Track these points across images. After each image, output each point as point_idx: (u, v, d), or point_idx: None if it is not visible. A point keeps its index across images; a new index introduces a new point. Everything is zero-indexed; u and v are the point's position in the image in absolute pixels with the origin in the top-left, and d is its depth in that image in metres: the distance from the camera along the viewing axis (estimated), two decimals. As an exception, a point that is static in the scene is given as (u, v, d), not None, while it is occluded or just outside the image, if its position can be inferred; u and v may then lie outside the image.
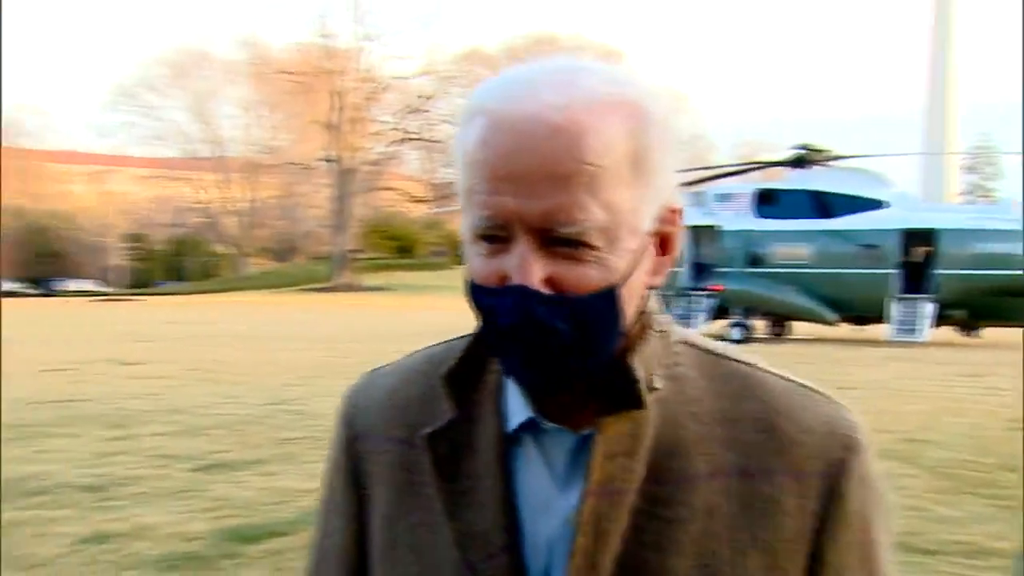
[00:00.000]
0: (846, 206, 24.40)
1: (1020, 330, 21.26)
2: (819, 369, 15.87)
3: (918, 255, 24.06)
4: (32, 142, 71.66)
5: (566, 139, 0.87)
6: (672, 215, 0.98)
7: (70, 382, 14.75)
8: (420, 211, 79.44)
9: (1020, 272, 22.48)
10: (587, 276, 0.90)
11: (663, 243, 0.98)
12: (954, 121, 49.74)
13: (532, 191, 0.87)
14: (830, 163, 26.10)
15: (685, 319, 24.63)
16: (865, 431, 1.01)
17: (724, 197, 26.08)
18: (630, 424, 0.96)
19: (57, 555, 5.90)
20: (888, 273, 23.71)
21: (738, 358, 1.03)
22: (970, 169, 75.53)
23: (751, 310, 25.02)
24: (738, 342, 22.97)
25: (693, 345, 1.03)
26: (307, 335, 25.07)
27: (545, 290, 0.88)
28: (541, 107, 0.88)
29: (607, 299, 0.91)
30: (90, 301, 51.19)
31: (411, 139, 70.33)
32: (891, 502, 1.04)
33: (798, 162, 25.85)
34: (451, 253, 79.56)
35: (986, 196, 67.49)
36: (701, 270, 25.69)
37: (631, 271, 0.93)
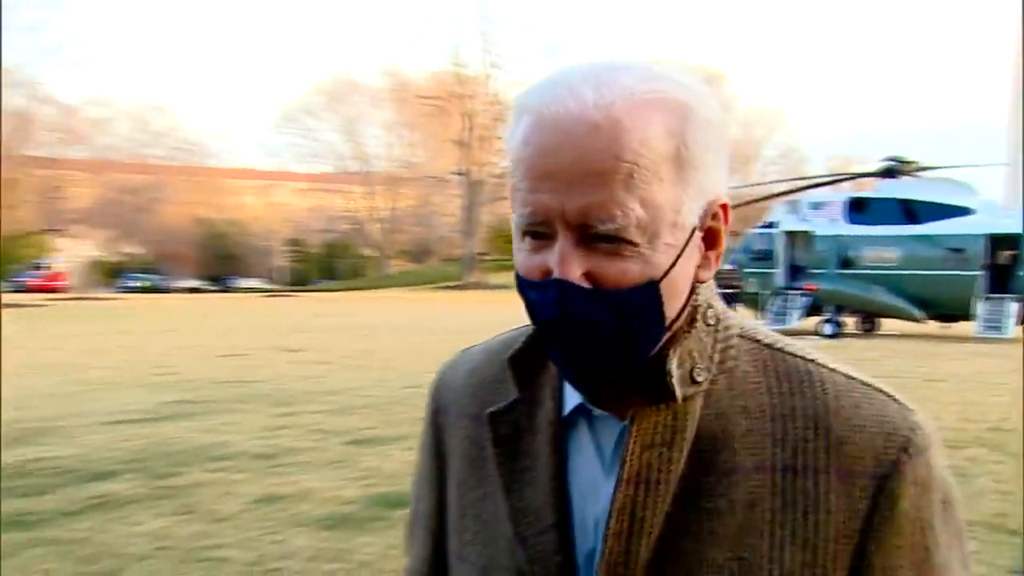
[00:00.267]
0: (933, 213, 23.56)
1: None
2: (908, 363, 15.33)
3: (1005, 258, 23.10)
4: (215, 162, 74.09)
5: (604, 137, 0.80)
6: (719, 211, 0.89)
7: (242, 366, 15.20)
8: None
9: None
10: (626, 271, 0.83)
11: (710, 238, 0.89)
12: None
13: (571, 188, 0.81)
14: (918, 174, 25.30)
15: (781, 316, 24.30)
16: (929, 433, 0.89)
17: (817, 205, 25.55)
18: (671, 415, 0.88)
19: (237, 512, 6.06)
20: (974, 275, 22.75)
21: (798, 354, 0.93)
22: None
23: (842, 308, 24.35)
24: (830, 337, 22.57)
25: (753, 339, 0.94)
26: (442, 327, 25.27)
27: (585, 284, 0.82)
28: (581, 106, 0.81)
29: (647, 293, 0.84)
30: (258, 296, 52.69)
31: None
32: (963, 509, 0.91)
33: (888, 173, 25.15)
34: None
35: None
36: (796, 271, 25.26)
37: (672, 266, 0.85)
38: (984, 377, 13.85)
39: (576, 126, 0.80)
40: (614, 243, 0.82)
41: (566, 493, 0.92)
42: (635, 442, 0.88)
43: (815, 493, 0.85)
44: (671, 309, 0.87)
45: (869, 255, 24.17)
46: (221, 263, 66.77)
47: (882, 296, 23.77)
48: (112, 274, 62.05)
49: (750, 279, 25.55)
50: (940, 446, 0.89)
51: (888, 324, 25.51)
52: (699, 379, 0.89)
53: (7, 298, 43.72)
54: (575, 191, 0.80)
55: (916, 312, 23.58)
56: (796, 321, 24.04)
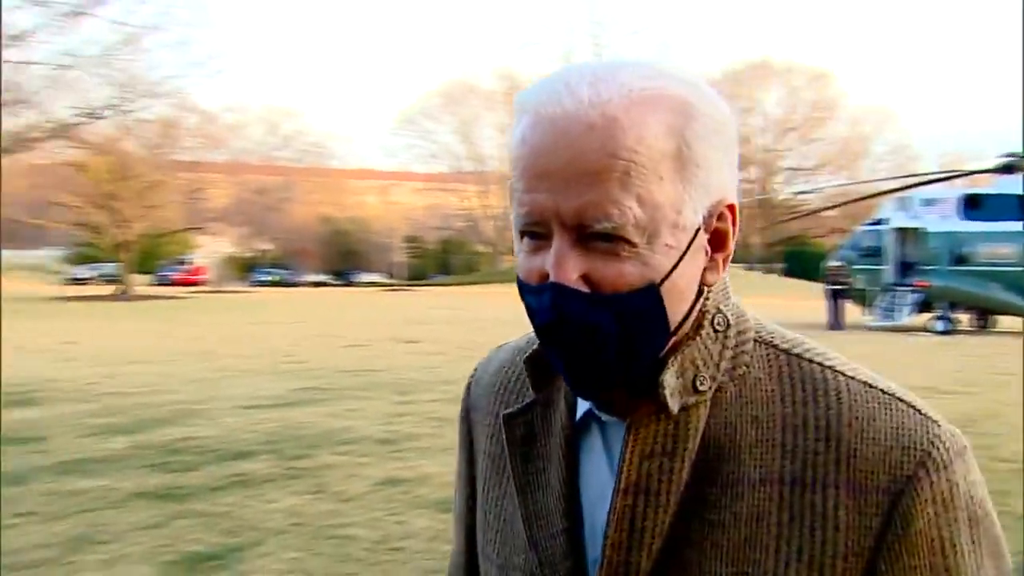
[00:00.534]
0: (1053, 209, 22.47)
1: None
2: (1020, 361, 14.68)
3: None
4: (339, 163, 75.71)
5: (600, 135, 0.76)
6: (726, 212, 0.84)
7: (364, 356, 15.53)
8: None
9: None
10: (625, 273, 0.77)
11: (717, 240, 0.84)
12: None
13: (566, 187, 0.76)
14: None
15: (889, 312, 23.57)
16: (952, 446, 0.80)
17: (930, 201, 24.61)
18: (672, 424, 0.83)
19: (362, 493, 6.23)
20: None
21: (816, 359, 0.86)
22: None
23: (955, 305, 23.42)
24: (941, 333, 21.72)
25: (770, 344, 0.87)
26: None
27: (582, 288, 0.77)
28: (576, 104, 0.77)
29: (647, 297, 0.78)
30: (378, 290, 53.74)
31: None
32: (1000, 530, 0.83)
33: (1006, 169, 24.03)
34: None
35: None
36: (906, 268, 24.37)
37: (674, 268, 0.79)
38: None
39: (571, 125, 0.76)
40: (611, 243, 0.77)
41: (577, 498, 0.89)
42: (632, 451, 0.83)
43: (823, 508, 0.79)
44: (675, 313, 0.81)
45: (984, 251, 23.17)
46: (344, 259, 68.19)
47: (998, 293, 22.77)
48: (245, 269, 64.11)
49: (858, 275, 24.82)
50: (969, 459, 0.82)
51: (1004, 321, 24.47)
52: (702, 388, 0.83)
53: (155, 290, 45.72)
54: (571, 190, 0.76)
55: None
56: (905, 318, 23.27)
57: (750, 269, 72.88)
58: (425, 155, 79.17)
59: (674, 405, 0.82)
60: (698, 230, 0.81)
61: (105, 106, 35.08)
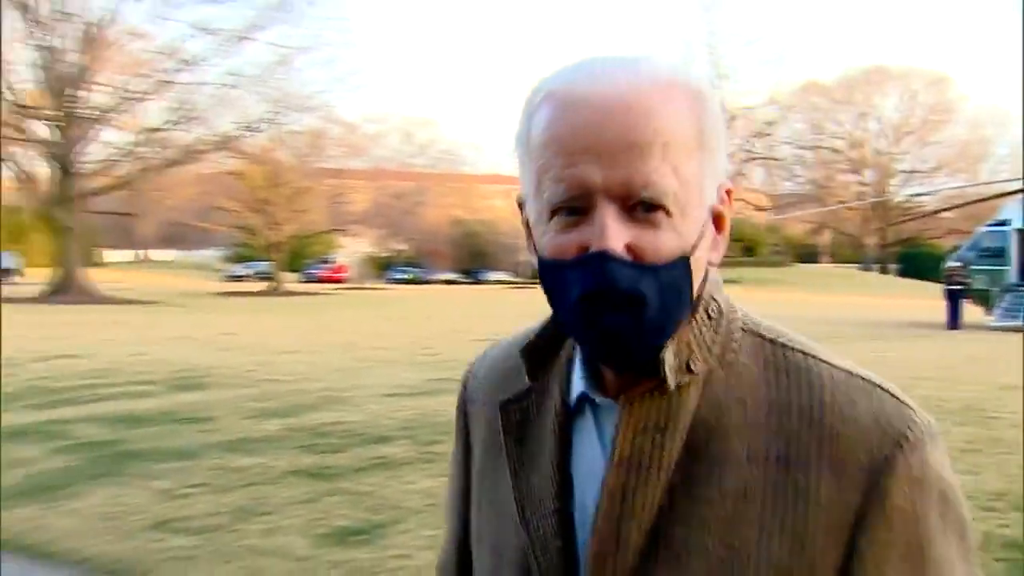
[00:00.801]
0: None
1: None
2: None
3: None
4: (469, 169, 76.70)
5: (640, 112, 0.76)
6: (726, 195, 0.86)
7: (493, 349, 15.65)
8: (762, 218, 77.14)
9: None
10: (664, 242, 0.77)
11: (718, 221, 0.85)
12: None
13: (613, 160, 0.76)
14: None
15: (1011, 312, 22.35)
16: (926, 429, 0.81)
17: (1053, 203, 23.30)
18: (665, 402, 0.82)
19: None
20: None
21: (800, 348, 0.86)
22: None
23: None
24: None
25: (756, 334, 0.87)
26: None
27: (627, 256, 0.76)
28: (614, 86, 0.77)
29: (682, 268, 0.79)
30: (504, 288, 54.25)
31: (755, 158, 68.47)
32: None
33: None
34: (789, 253, 76.85)
35: None
36: (1029, 268, 23.15)
37: (698, 242, 0.81)
38: None
39: (612, 103, 0.77)
40: (651, 212, 0.77)
41: (568, 479, 0.88)
42: (627, 426, 0.83)
43: (806, 485, 0.79)
44: (694, 289, 0.82)
45: None
46: (473, 258, 68.98)
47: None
48: (383, 267, 65.62)
49: (978, 276, 23.63)
50: (940, 443, 0.82)
51: None
52: (695, 369, 0.83)
53: (303, 287, 47.33)
54: (617, 163, 0.76)
55: None
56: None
57: (866, 269, 70.41)
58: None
59: (672, 381, 0.81)
60: (711, 208, 0.83)
61: (261, 120, 36.67)
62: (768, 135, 66.47)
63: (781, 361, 0.85)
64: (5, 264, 47.56)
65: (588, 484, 0.86)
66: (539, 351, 0.92)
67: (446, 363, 13.14)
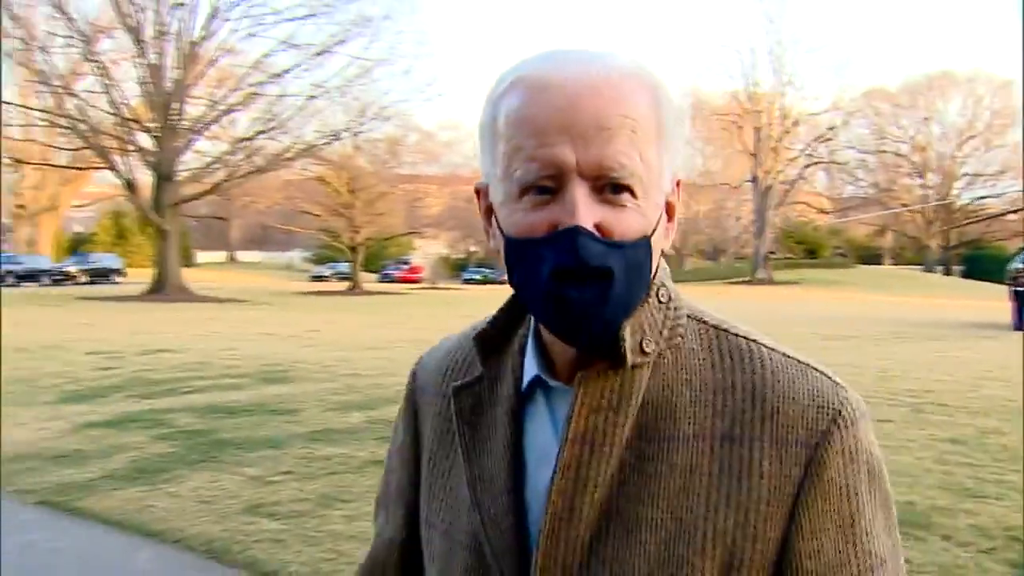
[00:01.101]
0: None
1: None
2: None
3: None
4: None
5: (609, 97, 0.77)
6: (677, 187, 0.87)
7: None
8: (825, 220, 75.68)
9: None
10: (630, 222, 0.78)
11: (669, 210, 0.86)
12: None
13: (586, 141, 0.76)
14: None
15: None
16: (858, 408, 0.83)
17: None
18: (618, 382, 0.83)
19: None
20: None
21: (742, 334, 0.88)
22: None
23: None
24: None
25: (700, 320, 0.89)
26: (734, 319, 24.68)
27: (596, 233, 0.77)
28: (584, 72, 0.78)
29: (645, 247, 0.80)
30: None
31: (819, 163, 67.09)
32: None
33: None
34: (852, 255, 75.21)
35: None
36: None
37: (657, 226, 0.82)
38: None
39: (583, 88, 0.77)
40: (618, 193, 0.78)
41: (521, 461, 0.88)
42: (582, 404, 0.83)
43: (750, 459, 0.80)
44: (652, 270, 0.84)
45: None
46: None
47: None
48: (456, 268, 66.15)
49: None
50: (869, 421, 0.84)
51: None
52: (648, 350, 0.84)
53: (381, 287, 47.94)
54: (590, 143, 0.76)
55: None
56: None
57: (928, 271, 68.43)
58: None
59: (631, 359, 0.82)
60: (667, 196, 0.84)
61: (343, 128, 37.20)
62: (830, 140, 65.03)
63: (724, 344, 0.86)
64: (110, 264, 49.30)
65: (541, 465, 0.86)
66: (491, 338, 0.93)
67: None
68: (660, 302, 0.86)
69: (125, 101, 33.46)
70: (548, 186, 0.78)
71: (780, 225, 66.15)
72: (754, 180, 61.24)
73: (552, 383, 0.87)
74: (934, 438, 7.17)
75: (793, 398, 0.82)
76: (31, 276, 43.15)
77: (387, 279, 56.56)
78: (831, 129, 63.63)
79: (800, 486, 0.80)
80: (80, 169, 42.96)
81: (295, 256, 73.46)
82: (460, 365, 0.97)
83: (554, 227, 0.77)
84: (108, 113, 33.24)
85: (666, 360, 0.85)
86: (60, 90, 33.04)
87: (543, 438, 0.87)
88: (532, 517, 0.85)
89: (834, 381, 0.85)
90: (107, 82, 32.82)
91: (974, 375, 10.68)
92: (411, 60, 59.47)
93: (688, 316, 0.88)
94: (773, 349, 0.86)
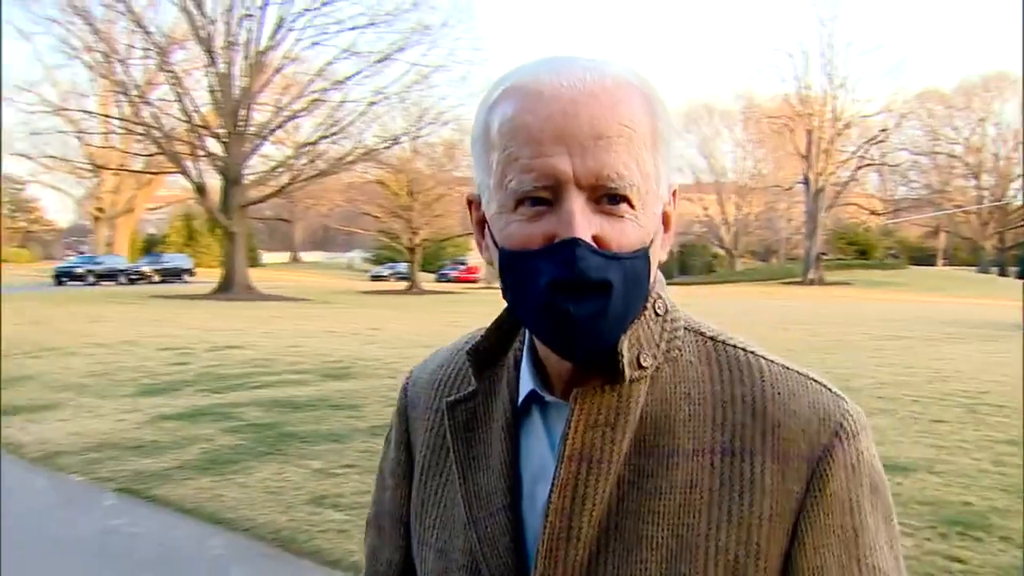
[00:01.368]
0: None
1: None
2: None
3: None
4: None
5: (607, 105, 0.73)
6: (673, 196, 0.82)
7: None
8: (877, 222, 74.13)
9: None
10: (628, 233, 0.74)
11: (665, 220, 0.81)
12: None
13: (583, 151, 0.72)
14: None
15: None
16: (860, 420, 0.80)
17: None
18: (615, 397, 0.79)
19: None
20: None
21: (740, 346, 0.83)
22: None
23: None
24: None
25: (697, 332, 0.84)
26: (785, 319, 24.32)
27: (593, 245, 0.73)
28: (579, 80, 0.73)
29: (643, 259, 0.76)
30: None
31: (870, 164, 65.69)
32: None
33: None
34: (904, 256, 73.60)
35: None
36: None
37: (654, 237, 0.77)
38: None
39: (579, 95, 0.73)
40: (616, 204, 0.74)
41: (517, 477, 0.84)
42: (579, 421, 0.79)
43: (751, 475, 0.76)
44: (650, 282, 0.80)
45: None
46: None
47: None
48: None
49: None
50: (870, 434, 0.81)
51: None
52: (645, 364, 0.80)
53: (438, 286, 48.25)
54: (588, 153, 0.72)
55: None
56: None
57: (983, 272, 66.57)
58: (670, 168, 79.05)
59: (629, 373, 0.78)
60: (663, 206, 0.81)
61: (402, 133, 37.58)
62: (882, 142, 63.67)
63: (723, 356, 0.82)
64: (181, 264, 50.50)
65: (537, 482, 0.82)
66: (485, 353, 0.88)
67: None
68: (657, 314, 0.82)
69: (196, 109, 34.25)
70: (544, 197, 0.74)
71: (831, 226, 64.99)
72: (806, 182, 60.21)
73: (548, 398, 0.83)
74: (990, 439, 6.99)
75: (794, 411, 0.78)
76: (109, 275, 44.52)
77: (444, 279, 56.90)
78: (883, 131, 62.28)
79: (802, 501, 0.77)
80: (154, 174, 44.13)
81: (355, 256, 74.38)
82: (453, 379, 0.93)
83: (551, 239, 0.73)
84: (180, 120, 34.07)
85: (664, 374, 0.81)
86: (137, 99, 33.94)
87: (539, 454, 0.83)
88: (529, 535, 0.82)
89: (835, 393, 0.81)
90: (179, 91, 33.65)
91: (1030, 377, 10.36)
92: (468, 66, 59.55)
93: (685, 328, 0.84)
94: (772, 361, 0.83)
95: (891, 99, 63.10)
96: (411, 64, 35.93)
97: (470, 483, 0.86)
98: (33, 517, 5.25)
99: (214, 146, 34.40)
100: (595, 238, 0.73)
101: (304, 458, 6.45)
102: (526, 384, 0.85)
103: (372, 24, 34.94)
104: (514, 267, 0.76)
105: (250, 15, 34.05)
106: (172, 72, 33.86)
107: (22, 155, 38.70)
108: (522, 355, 0.87)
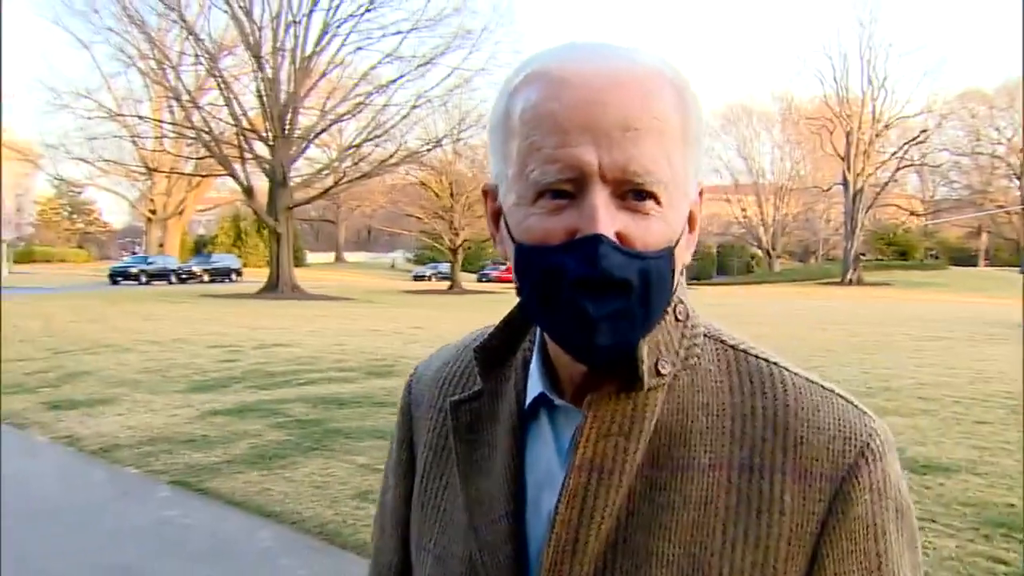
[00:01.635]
0: None
1: None
2: None
3: None
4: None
5: (637, 94, 0.67)
6: (700, 196, 0.76)
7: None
8: (916, 223, 72.85)
9: None
10: (654, 231, 0.68)
11: (690, 221, 0.75)
12: None
13: (611, 142, 0.66)
14: None
15: None
16: (886, 439, 0.73)
17: None
18: (631, 406, 0.73)
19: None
20: None
21: (762, 355, 0.77)
22: None
23: None
24: None
25: (718, 339, 0.78)
26: (824, 319, 24.00)
27: (617, 243, 0.67)
28: (609, 67, 0.67)
29: (668, 259, 0.70)
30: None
31: (910, 165, 64.54)
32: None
33: None
34: (944, 257, 72.26)
35: None
36: None
37: (681, 236, 0.72)
38: None
39: (609, 83, 0.67)
40: (642, 200, 0.68)
41: (522, 483, 0.78)
42: (591, 429, 0.73)
43: (770, 493, 0.71)
44: (674, 284, 0.73)
45: None
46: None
47: None
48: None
49: None
50: (896, 454, 0.75)
51: None
52: (664, 371, 0.74)
53: (479, 286, 48.39)
54: (615, 145, 0.66)
55: None
56: None
57: (1025, 273, 65.05)
58: (708, 169, 78.31)
59: (648, 381, 0.73)
60: (691, 204, 0.75)
61: (444, 135, 37.73)
62: (922, 142, 62.53)
63: (744, 366, 0.77)
64: (230, 264, 51.28)
65: (543, 489, 0.77)
66: (493, 352, 0.82)
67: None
68: (677, 319, 0.77)
69: (244, 113, 34.79)
70: (566, 190, 0.68)
71: (870, 227, 64.02)
72: (844, 183, 59.41)
73: (558, 402, 0.77)
74: (1033, 442, 6.83)
75: (818, 427, 0.72)
76: (161, 275, 45.34)
77: (485, 279, 56.98)
78: (924, 132, 61.16)
79: (824, 524, 0.71)
80: (203, 176, 44.88)
81: (398, 257, 74.86)
82: (458, 378, 0.87)
83: (572, 234, 0.67)
84: (229, 124, 34.65)
85: (681, 382, 0.75)
86: (188, 104, 34.55)
87: (546, 460, 0.77)
88: (532, 545, 0.76)
89: (860, 409, 0.75)
90: (228, 96, 34.21)
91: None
92: (508, 70, 59.41)
93: (705, 335, 0.79)
94: (796, 373, 0.77)
95: (932, 100, 62.03)
96: (453, 68, 36.14)
97: (472, 487, 0.80)
98: (92, 508, 5.38)
99: (261, 149, 34.90)
100: (619, 235, 0.67)
101: (349, 453, 6.51)
102: (535, 386, 0.79)
103: (415, 29, 35.17)
104: (531, 263, 0.70)
105: (296, 21, 34.49)
106: (221, 78, 34.43)
107: (80, 159, 39.55)
108: (531, 355, 0.81)
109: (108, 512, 5.30)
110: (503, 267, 59.92)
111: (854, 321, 23.19)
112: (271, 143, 34.22)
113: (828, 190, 64.86)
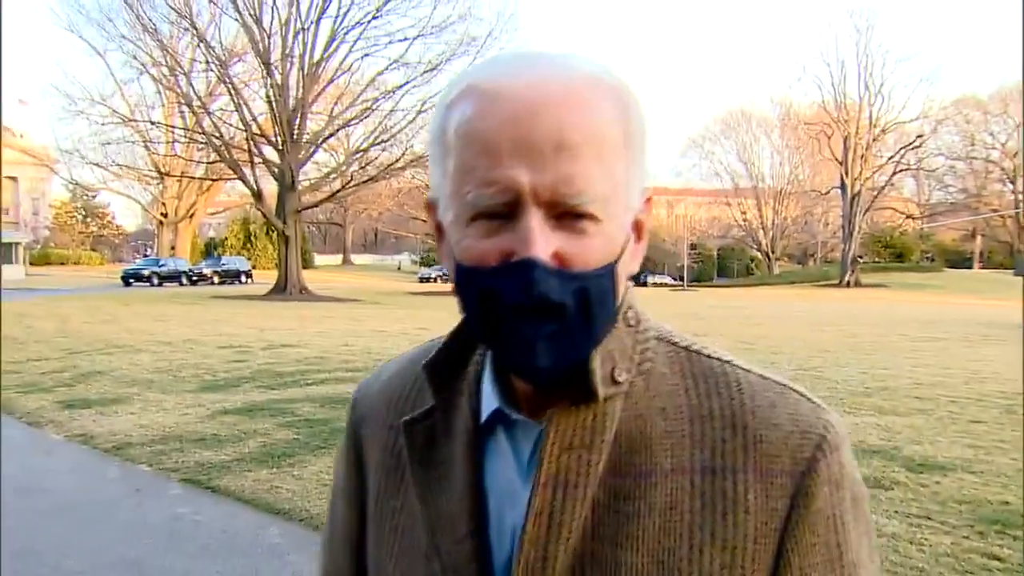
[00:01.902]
0: None
1: None
2: None
3: None
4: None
5: (572, 107, 0.63)
6: (647, 203, 0.73)
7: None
8: (912, 226, 72.79)
9: None
10: (592, 250, 0.65)
11: (638, 229, 0.72)
12: None
13: (543, 161, 0.63)
14: None
15: None
16: (840, 431, 0.72)
17: None
18: (591, 417, 0.71)
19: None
20: None
21: (714, 355, 0.76)
22: None
23: None
24: None
25: (669, 342, 0.76)
26: (822, 320, 23.95)
27: (553, 264, 0.64)
28: (540, 78, 0.64)
29: (609, 276, 0.67)
30: (667, 290, 53.58)
31: (906, 169, 64.45)
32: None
33: None
34: (939, 260, 72.13)
35: None
36: None
37: (624, 249, 0.69)
38: None
39: (541, 98, 0.63)
40: (579, 219, 0.65)
41: (483, 501, 0.75)
42: (553, 444, 0.71)
43: (734, 493, 0.69)
44: (618, 297, 0.70)
45: None
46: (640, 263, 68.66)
47: None
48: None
49: None
50: (849, 444, 0.74)
51: None
52: (620, 379, 0.72)
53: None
54: (547, 165, 0.63)
55: None
56: None
57: (1020, 275, 64.92)
58: (708, 174, 79.15)
59: (603, 392, 0.71)
60: (635, 215, 0.72)
61: (448, 141, 37.76)
62: (918, 147, 62.46)
63: (697, 367, 0.75)
64: (239, 266, 51.39)
65: (504, 505, 0.74)
66: (444, 366, 0.79)
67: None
68: (629, 325, 0.75)
69: (254, 118, 34.85)
70: (501, 212, 0.65)
71: (868, 230, 63.91)
72: (842, 187, 59.35)
73: (514, 416, 0.74)
74: (1027, 441, 6.82)
75: (775, 424, 0.71)
76: (172, 277, 45.46)
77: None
78: (920, 137, 61.08)
79: (787, 519, 0.70)
80: (214, 180, 44.94)
81: (404, 259, 74.95)
82: (407, 394, 0.83)
83: (508, 256, 0.65)
84: (239, 129, 34.72)
85: (637, 387, 0.73)
86: (199, 110, 34.64)
87: (506, 476, 0.74)
88: (496, 564, 0.73)
89: (814, 403, 0.74)
90: (238, 101, 34.28)
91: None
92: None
93: (656, 338, 0.76)
94: (748, 370, 0.75)
95: (927, 105, 62.01)
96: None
97: (431, 507, 0.76)
98: (106, 505, 5.39)
99: (270, 153, 34.96)
100: (556, 255, 0.65)
101: (356, 452, 6.50)
102: (489, 401, 0.75)
103: (421, 36, 35.20)
104: (470, 283, 0.68)
105: (305, 28, 34.54)
106: (232, 84, 34.52)
107: (95, 164, 39.68)
108: (483, 368, 0.78)
109: (121, 508, 5.31)
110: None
111: (851, 322, 23.14)
112: (280, 147, 34.28)
113: (826, 194, 64.86)
